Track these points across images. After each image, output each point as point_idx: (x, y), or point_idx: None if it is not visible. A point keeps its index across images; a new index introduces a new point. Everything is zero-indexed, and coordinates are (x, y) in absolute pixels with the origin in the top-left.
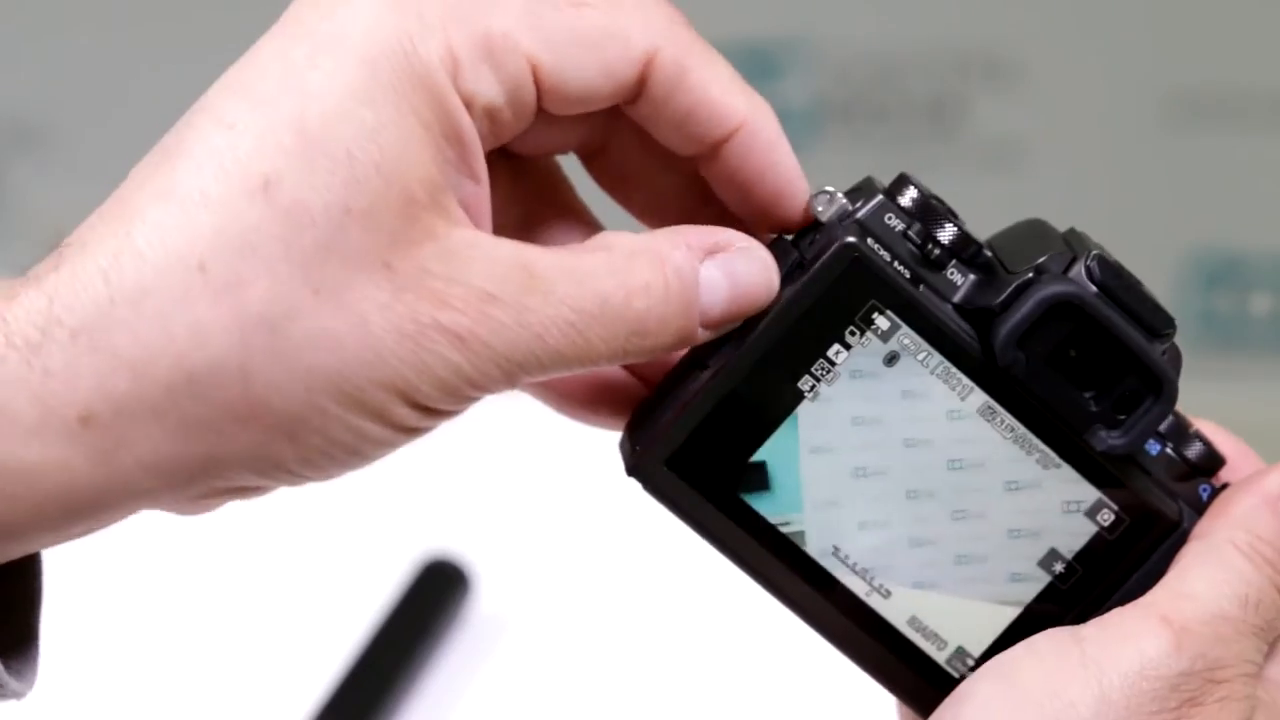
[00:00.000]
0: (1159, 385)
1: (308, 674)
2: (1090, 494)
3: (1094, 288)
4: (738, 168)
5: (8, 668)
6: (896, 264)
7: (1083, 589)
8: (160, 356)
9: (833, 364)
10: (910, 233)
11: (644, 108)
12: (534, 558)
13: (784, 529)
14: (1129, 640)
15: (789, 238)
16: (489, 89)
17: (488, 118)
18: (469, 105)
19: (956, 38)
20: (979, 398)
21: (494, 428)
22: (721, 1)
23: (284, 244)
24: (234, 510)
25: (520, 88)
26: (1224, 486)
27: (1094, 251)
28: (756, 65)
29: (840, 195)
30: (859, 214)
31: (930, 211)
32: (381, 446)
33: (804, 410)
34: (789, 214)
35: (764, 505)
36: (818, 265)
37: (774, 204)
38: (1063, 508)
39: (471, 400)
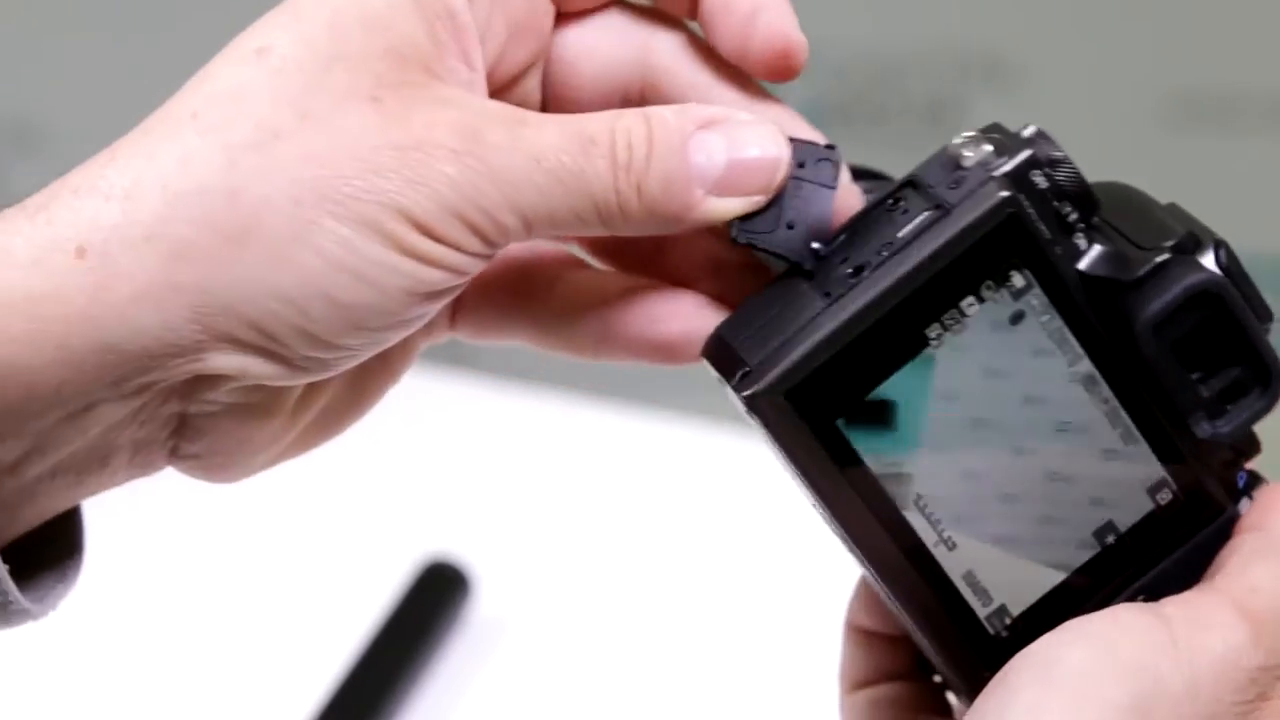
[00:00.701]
0: (1268, 377)
1: (308, 675)
2: (1157, 472)
3: (1224, 275)
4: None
5: (38, 588)
6: (1040, 223)
7: (1126, 562)
8: (148, 184)
9: (963, 315)
10: (1049, 192)
11: None
12: (534, 560)
13: (894, 469)
14: (1213, 628)
15: (909, 175)
16: (514, 7)
17: (524, 30)
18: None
19: (955, 39)
20: (1085, 366)
21: (494, 430)
22: None
23: (271, 90)
24: (237, 509)
25: (537, 8)
26: (1256, 475)
27: (1218, 238)
28: None
29: (985, 142)
30: (1009, 167)
31: (1061, 164)
32: (391, 290)
33: (940, 355)
34: (781, 56)
35: (878, 443)
36: (974, 215)
37: (763, 48)
38: (1129, 482)
39: (489, 245)
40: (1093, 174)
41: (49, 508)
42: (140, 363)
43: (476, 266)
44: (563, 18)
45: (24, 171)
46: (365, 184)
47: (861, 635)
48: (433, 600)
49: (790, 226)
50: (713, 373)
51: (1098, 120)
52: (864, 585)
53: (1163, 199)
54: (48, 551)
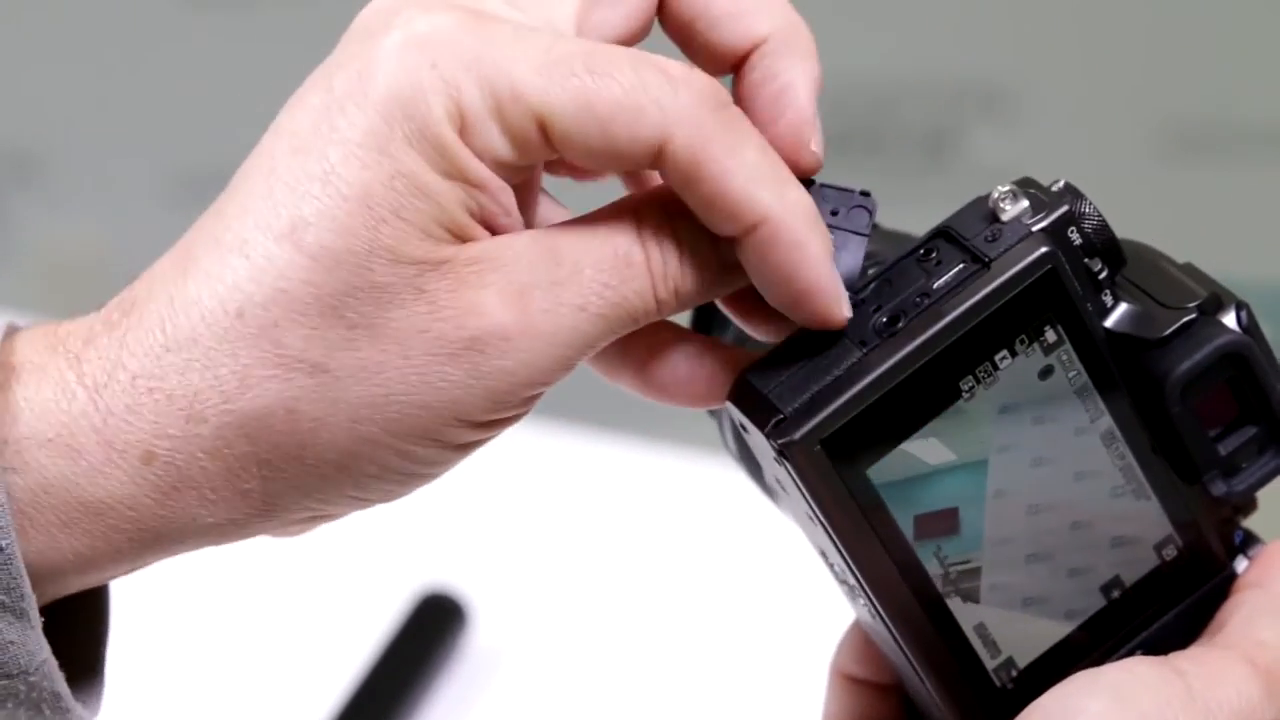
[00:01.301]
0: None
1: (306, 707)
2: (1165, 529)
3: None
4: (758, 264)
5: (75, 695)
6: (1074, 280)
7: (1129, 616)
8: (209, 400)
9: (996, 368)
10: (1082, 248)
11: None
12: (530, 591)
13: (929, 517)
14: (1227, 682)
15: (943, 225)
16: (497, 144)
17: (500, 167)
18: (481, 156)
19: (952, 69)
20: (1106, 422)
21: (490, 461)
22: None
23: (314, 286)
24: (224, 549)
25: (529, 143)
26: (1251, 533)
27: (1239, 300)
28: None
29: (1022, 196)
30: (1047, 222)
31: (1101, 230)
32: (439, 465)
33: (970, 409)
34: (811, 314)
35: (906, 496)
36: (1014, 270)
37: (799, 303)
38: (1138, 539)
39: (532, 400)
40: None
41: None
42: (213, 540)
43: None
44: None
45: (24, 202)
46: (421, 399)
47: (849, 682)
48: (430, 631)
49: None
50: (738, 416)
51: (1093, 150)
52: (855, 632)
53: (1156, 229)
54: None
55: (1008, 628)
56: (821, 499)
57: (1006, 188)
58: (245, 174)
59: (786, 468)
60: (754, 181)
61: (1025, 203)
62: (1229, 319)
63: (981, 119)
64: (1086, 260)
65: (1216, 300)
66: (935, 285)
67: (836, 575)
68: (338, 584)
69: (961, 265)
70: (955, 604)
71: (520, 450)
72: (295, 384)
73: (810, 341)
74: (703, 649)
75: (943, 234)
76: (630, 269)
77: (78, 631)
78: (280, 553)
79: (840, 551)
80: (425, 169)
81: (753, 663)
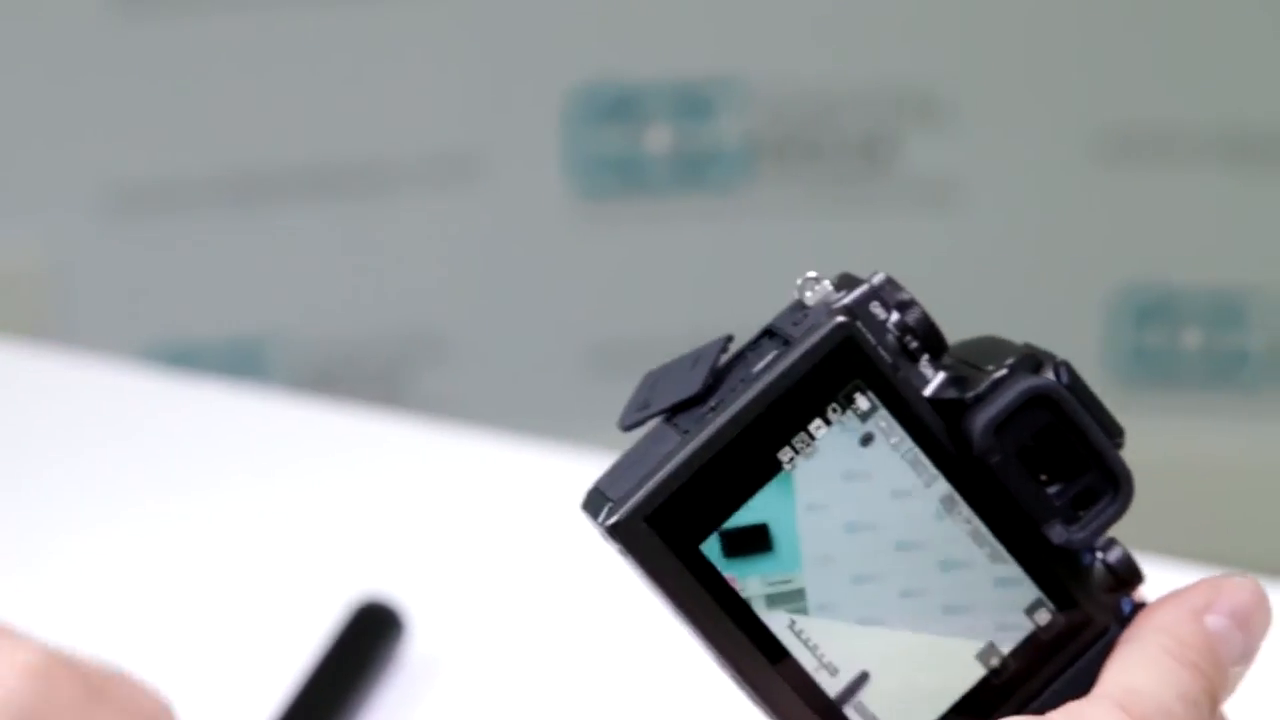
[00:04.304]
0: (1118, 482)
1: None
2: (1032, 593)
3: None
4: None
5: None
6: (880, 349)
7: (1012, 686)
8: None
9: (812, 438)
10: (890, 324)
11: None
12: (468, 597)
13: (763, 591)
14: None
15: (767, 325)
16: None
17: None
18: None
19: (889, 76)
20: (942, 487)
21: (423, 467)
22: (654, 41)
23: None
24: (162, 552)
25: None
26: (1142, 604)
27: (1060, 359)
28: (689, 104)
29: (826, 281)
30: (849, 299)
31: (908, 306)
32: None
33: (796, 478)
34: None
35: (747, 567)
36: (812, 340)
37: None
38: (1004, 604)
39: None
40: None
41: None
42: None
43: None
44: None
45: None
46: None
47: None
48: (367, 640)
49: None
50: (590, 522)
51: (1031, 156)
52: None
53: (1095, 235)
54: None
55: (881, 698)
56: (661, 577)
57: (812, 274)
58: None
59: (621, 548)
60: None
61: (828, 285)
62: (1047, 373)
63: (919, 126)
64: (899, 335)
65: (1034, 359)
66: (752, 371)
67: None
68: (270, 595)
69: (774, 351)
70: (824, 679)
71: (455, 457)
72: None
73: (645, 442)
74: (646, 656)
75: (766, 332)
76: None
77: None
78: (211, 561)
79: (696, 631)
80: None
81: (694, 669)
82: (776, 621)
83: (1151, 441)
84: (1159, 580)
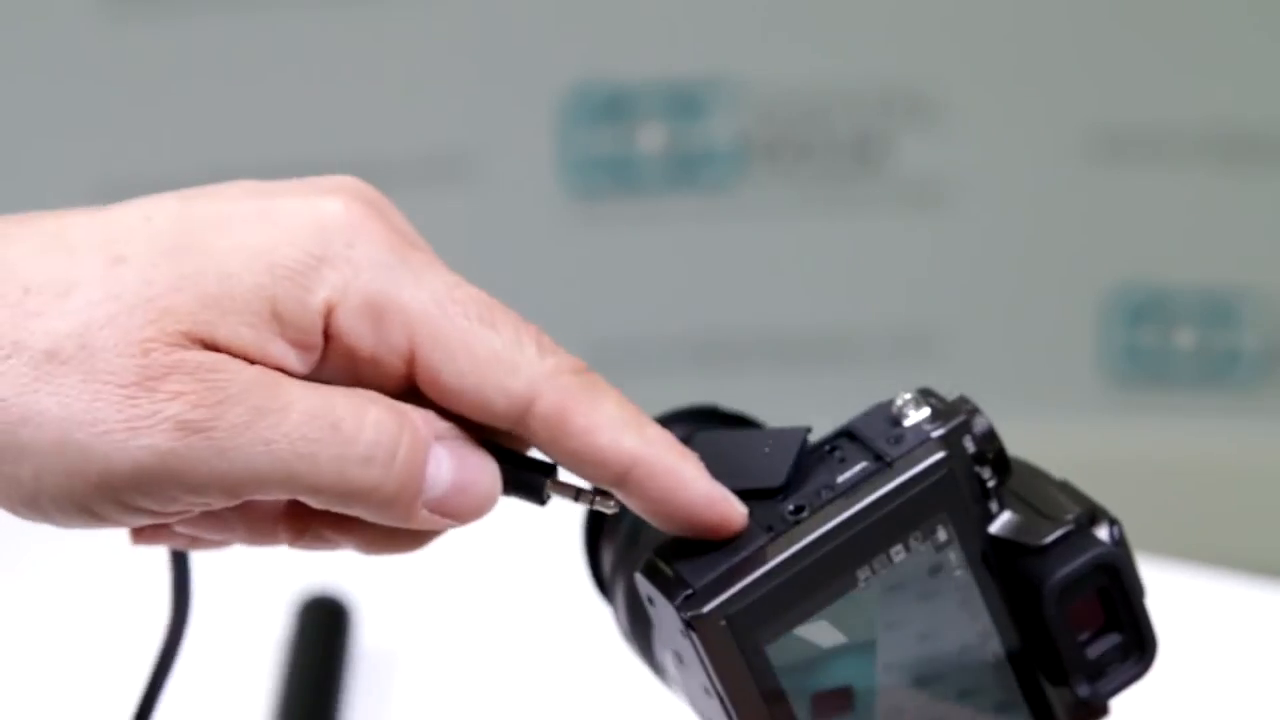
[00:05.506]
0: (1144, 647)
1: None
2: None
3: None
4: (644, 499)
5: None
6: (965, 485)
7: None
8: None
9: (890, 561)
10: (974, 457)
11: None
12: (415, 586)
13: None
14: None
15: (846, 426)
16: (359, 338)
17: (341, 353)
18: (333, 333)
19: (880, 76)
20: (985, 622)
21: None
22: (646, 42)
23: (87, 315)
24: (96, 558)
25: (392, 353)
26: None
27: (1112, 516)
28: (681, 104)
29: (924, 403)
30: (946, 429)
31: (990, 441)
32: (96, 521)
33: (864, 598)
34: (710, 526)
35: (801, 676)
36: (914, 470)
37: (692, 520)
38: None
39: (188, 505)
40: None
41: None
42: None
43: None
44: None
45: None
46: (83, 457)
47: None
48: (323, 635)
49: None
50: (646, 589)
51: (1021, 155)
52: None
53: (1088, 234)
54: None
55: None
56: (724, 674)
57: (909, 395)
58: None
59: (692, 639)
60: (619, 427)
61: (927, 410)
62: (1102, 532)
63: (910, 125)
64: (977, 468)
65: (1092, 515)
66: (839, 480)
67: None
68: (214, 596)
69: (865, 464)
70: None
71: None
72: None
73: None
74: (599, 641)
75: (846, 434)
76: (338, 433)
77: None
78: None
79: (731, 711)
80: (280, 295)
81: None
82: None
83: (1144, 440)
84: (1147, 578)
